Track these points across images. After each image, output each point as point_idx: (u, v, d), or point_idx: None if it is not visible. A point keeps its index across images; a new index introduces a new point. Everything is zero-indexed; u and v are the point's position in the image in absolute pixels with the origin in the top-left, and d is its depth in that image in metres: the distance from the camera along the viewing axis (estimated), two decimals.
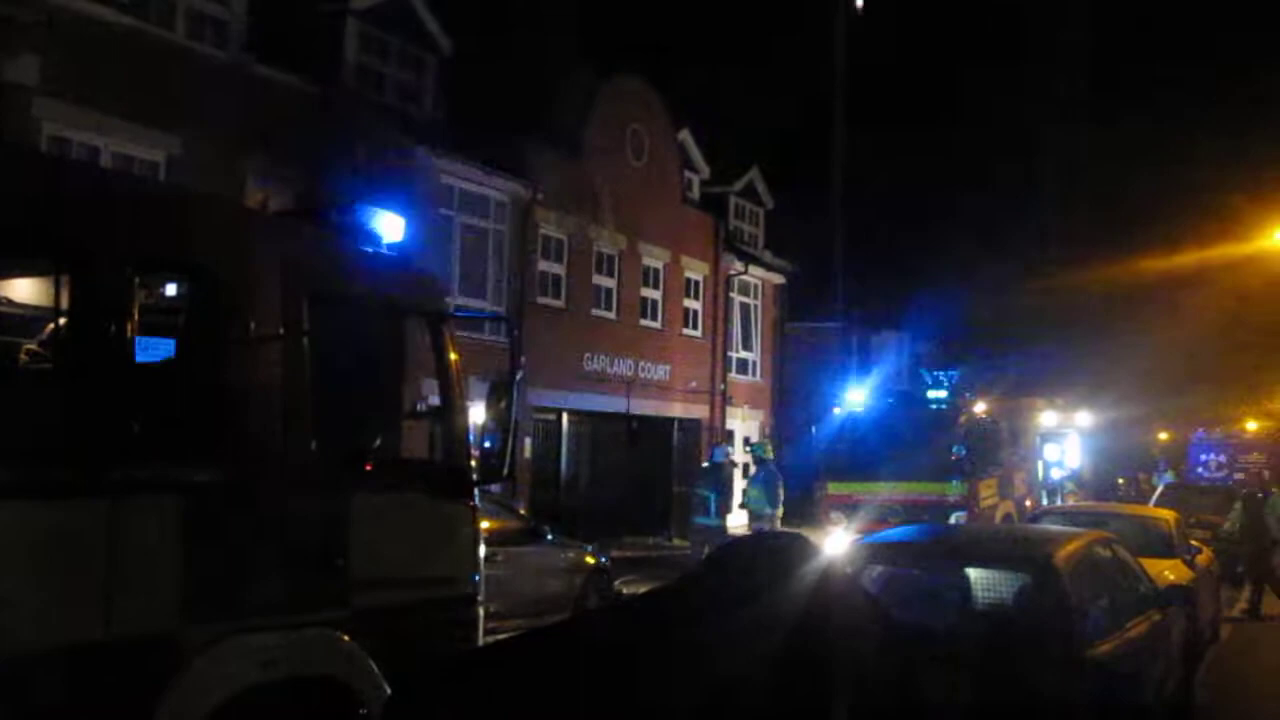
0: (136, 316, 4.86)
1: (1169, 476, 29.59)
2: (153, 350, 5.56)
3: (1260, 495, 18.93)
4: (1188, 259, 28.94)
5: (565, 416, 26.07)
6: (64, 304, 4.81)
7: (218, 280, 5.27)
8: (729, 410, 31.50)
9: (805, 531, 20.01)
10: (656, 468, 28.70)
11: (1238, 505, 19.33)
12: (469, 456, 6.46)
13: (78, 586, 4.53)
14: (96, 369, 4.70)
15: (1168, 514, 15.59)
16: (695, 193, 31.95)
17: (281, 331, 5.39)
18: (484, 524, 13.42)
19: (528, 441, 23.74)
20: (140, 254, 4.99)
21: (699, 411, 30.19)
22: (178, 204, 5.78)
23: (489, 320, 18.01)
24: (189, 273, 5.38)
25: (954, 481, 20.00)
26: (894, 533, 10.08)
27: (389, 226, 6.46)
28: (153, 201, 5.56)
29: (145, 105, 16.95)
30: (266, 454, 5.27)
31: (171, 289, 5.95)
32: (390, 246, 6.48)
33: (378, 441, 5.97)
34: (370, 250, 6.30)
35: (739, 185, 34.45)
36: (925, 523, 17.85)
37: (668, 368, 28.66)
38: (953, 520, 19.07)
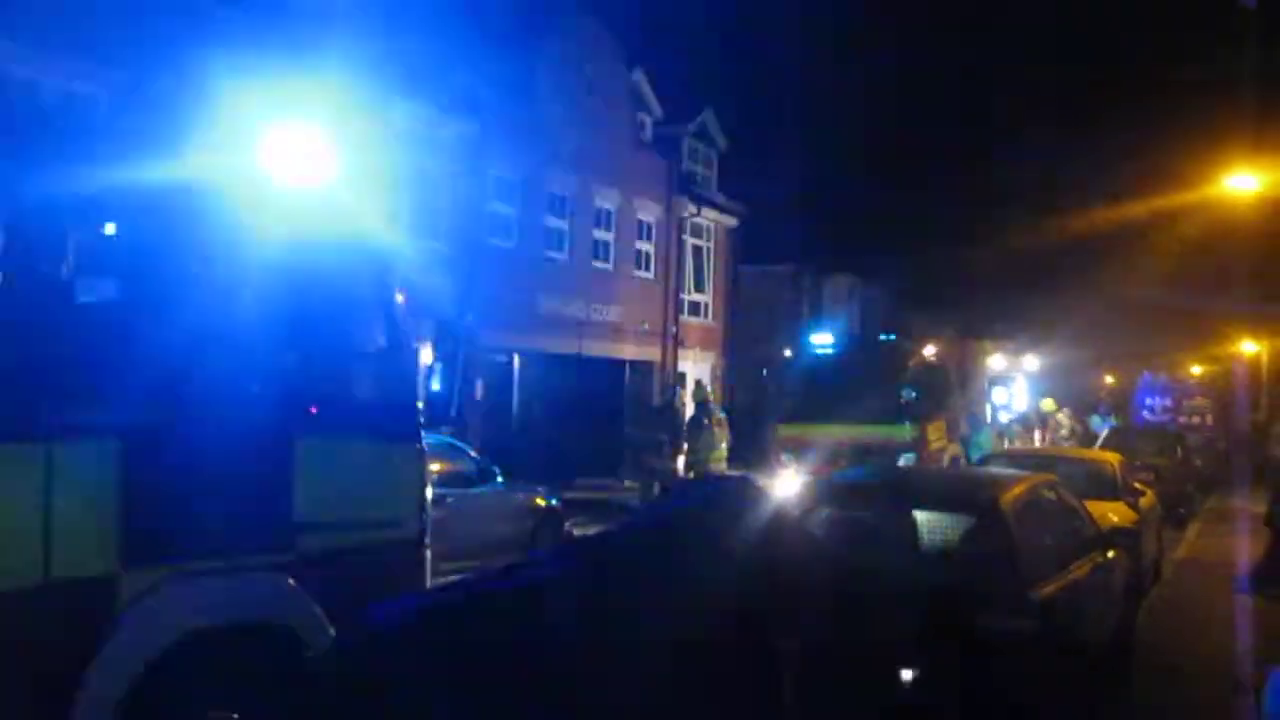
0: (68, 259, 4.75)
1: (1111, 421, 29.90)
2: (93, 292, 5.44)
3: None
4: (1137, 208, 29.18)
5: (516, 358, 26.00)
6: None
7: (158, 219, 5.16)
8: (681, 352, 31.52)
9: (755, 474, 20.17)
10: (608, 410, 28.69)
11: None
12: (415, 398, 6.40)
13: (14, 531, 4.45)
14: (32, 312, 4.59)
15: (1112, 457, 15.79)
16: (648, 134, 31.74)
17: (222, 272, 5.29)
18: (434, 466, 13.44)
19: (478, 384, 23.65)
20: (79, 194, 4.87)
21: (651, 354, 30.19)
22: (119, 140, 5.63)
23: (433, 260, 17.86)
24: (124, 213, 5.25)
25: (903, 424, 20.15)
26: (842, 475, 10.14)
27: (334, 164, 6.35)
28: (93, 138, 5.42)
29: (87, 39, 16.55)
30: (207, 396, 5.19)
31: (112, 229, 5.81)
32: (334, 185, 6.36)
33: (322, 383, 5.89)
34: (314, 188, 6.17)
35: (693, 126, 34.24)
36: (874, 465, 18.02)
37: (620, 310, 28.60)
38: (901, 462, 19.23)
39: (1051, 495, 9.04)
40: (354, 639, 4.62)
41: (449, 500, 13.02)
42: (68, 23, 16.27)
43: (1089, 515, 9.68)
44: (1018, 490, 8.24)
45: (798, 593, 4.59)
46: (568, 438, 26.95)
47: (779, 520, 4.72)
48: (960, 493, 8.56)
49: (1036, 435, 26.92)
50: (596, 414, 28.21)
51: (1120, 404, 35.40)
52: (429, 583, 6.63)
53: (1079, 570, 8.24)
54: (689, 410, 22.42)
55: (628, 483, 25.48)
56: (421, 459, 6.56)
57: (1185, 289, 36.46)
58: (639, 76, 30.35)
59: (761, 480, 13.36)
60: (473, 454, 15.42)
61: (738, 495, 4.26)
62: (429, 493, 6.70)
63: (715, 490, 4.56)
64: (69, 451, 4.60)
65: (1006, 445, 24.07)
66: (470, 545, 12.65)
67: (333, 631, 5.40)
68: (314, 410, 5.83)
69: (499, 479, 14.67)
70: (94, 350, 4.86)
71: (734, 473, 17.41)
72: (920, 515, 7.89)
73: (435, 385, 6.47)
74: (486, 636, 3.94)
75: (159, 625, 4.86)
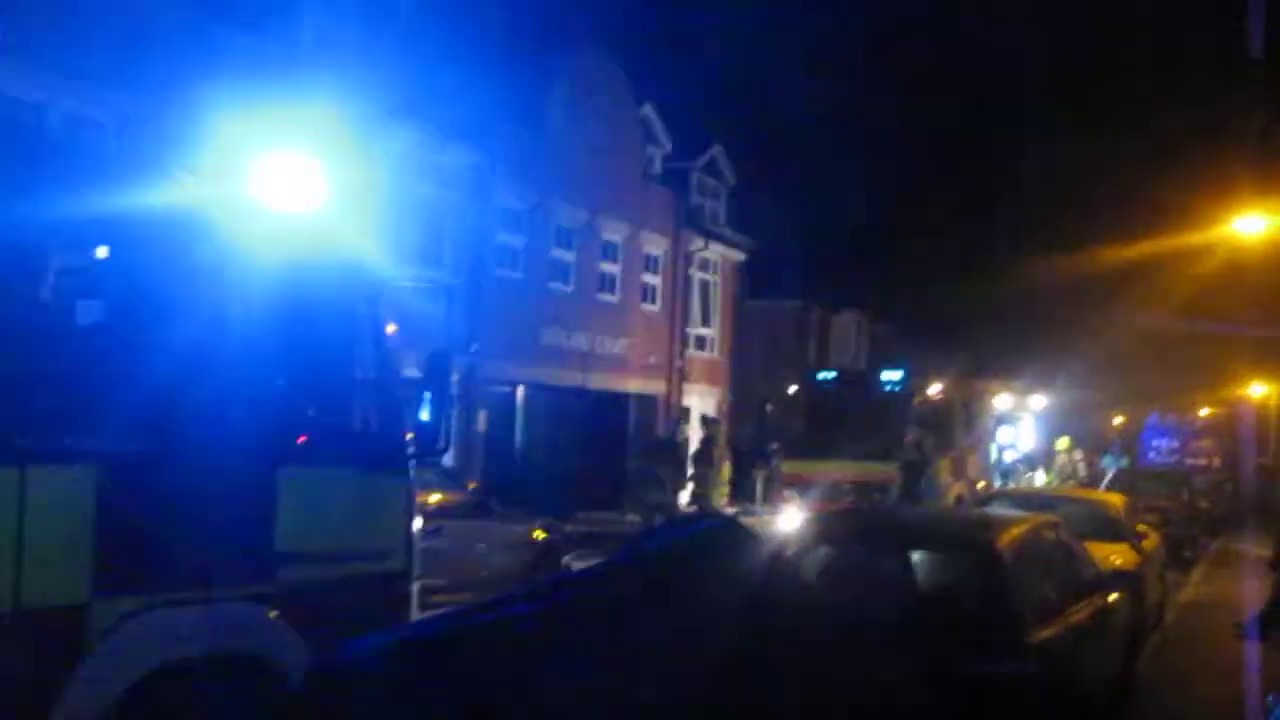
0: (48, 284, 4.69)
1: (1122, 461, 29.79)
2: (68, 318, 5.38)
3: None
4: (1145, 248, 29.11)
5: (520, 390, 25.93)
6: None
7: (145, 244, 5.10)
8: (686, 387, 31.42)
9: (757, 508, 20.02)
10: (611, 443, 28.58)
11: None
12: (403, 429, 6.32)
13: None
14: (6, 335, 4.52)
15: (1116, 498, 15.67)
16: (657, 168, 31.78)
17: (204, 300, 5.23)
18: (433, 497, 13.35)
19: (481, 415, 23.58)
20: (66, 216, 4.80)
21: (656, 387, 30.10)
22: (109, 162, 5.59)
23: (434, 290, 17.73)
24: (106, 239, 5.19)
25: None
26: (840, 513, 10.05)
27: (327, 190, 6.30)
28: (84, 160, 5.37)
29: (96, 63, 16.59)
30: (189, 424, 5.11)
31: (95, 255, 5.75)
32: (327, 213, 6.31)
33: (308, 413, 5.82)
34: (305, 217, 6.12)
35: (701, 161, 34.26)
36: (876, 503, 17.91)
37: (625, 342, 28.53)
38: None
39: (1051, 536, 8.92)
40: (325, 674, 4.53)
41: (445, 531, 12.93)
42: (74, 47, 16.31)
43: (1089, 557, 9.55)
44: (1016, 531, 8.13)
45: (785, 644, 4.47)
46: (571, 470, 26.84)
47: (765, 565, 4.62)
48: (957, 533, 8.45)
49: (1039, 475, 26.79)
50: (600, 447, 28.10)
51: (1128, 445, 35.24)
52: (415, 615, 6.52)
53: (1078, 613, 8.11)
54: (693, 444, 22.35)
55: (630, 516, 25.35)
56: (409, 490, 6.47)
57: (1194, 330, 36.33)
58: (649, 110, 30.42)
59: (764, 516, 13.29)
60: (471, 485, 15.36)
61: (720, 538, 4.15)
62: (417, 524, 6.61)
63: (694, 533, 4.45)
64: (43, 477, 4.52)
65: (1011, 485, 23.88)
66: (466, 577, 12.58)
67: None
68: (300, 440, 5.76)
69: (496, 510, 14.58)
70: (72, 374, 4.79)
71: (720, 512, 17.28)
72: (916, 556, 7.79)
73: (425, 416, 6.37)
74: (453, 676, 3.85)
75: (132, 656, 4.77)
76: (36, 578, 4.47)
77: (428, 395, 6.39)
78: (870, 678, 6.08)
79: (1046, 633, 7.40)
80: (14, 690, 4.43)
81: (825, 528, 8.83)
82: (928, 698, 6.65)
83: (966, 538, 8.17)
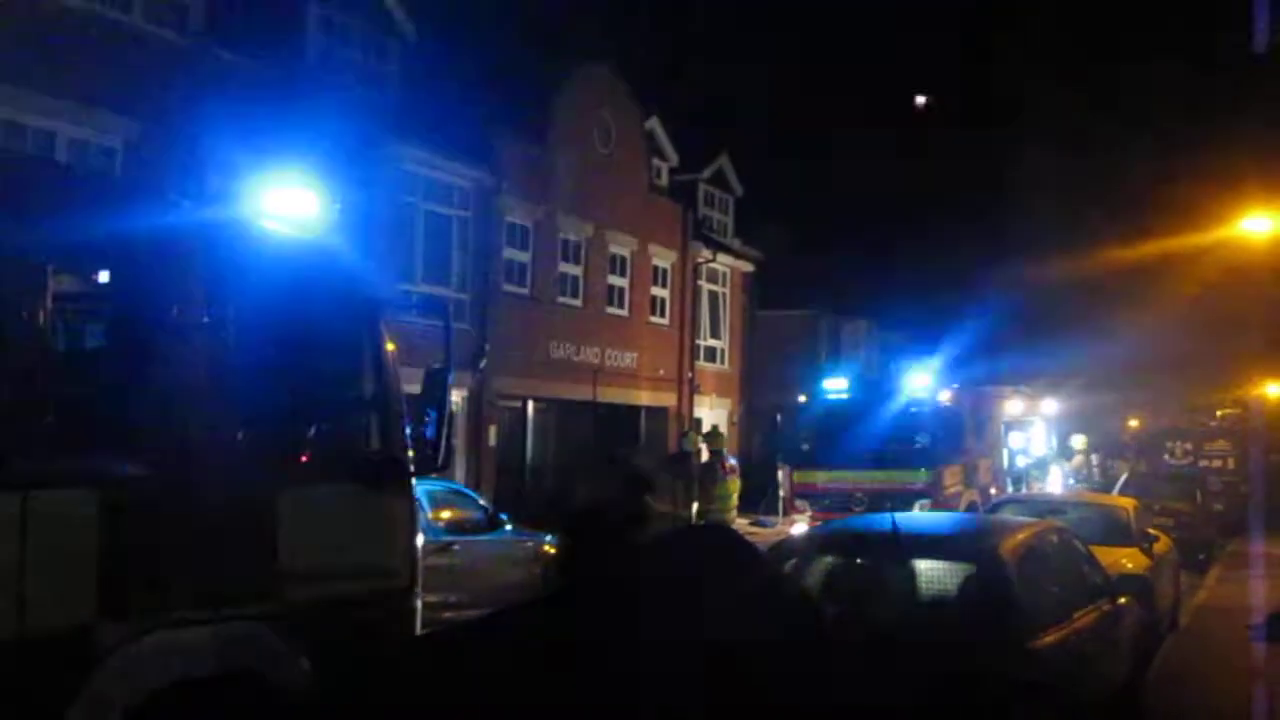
0: (50, 306, 4.73)
1: (1140, 464, 29.81)
2: (71, 341, 5.44)
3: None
4: (1151, 250, 29.09)
5: (530, 404, 25.97)
6: None
7: (138, 269, 5.16)
8: (697, 398, 31.45)
9: (769, 520, 19.99)
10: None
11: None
12: (405, 446, 6.36)
13: None
14: (5, 360, 4.57)
15: (1127, 502, 15.61)
16: (664, 180, 31.86)
17: (206, 320, 5.28)
18: (444, 513, 13.37)
19: (491, 430, 23.64)
20: (54, 243, 4.85)
21: (666, 400, 30.13)
22: (96, 190, 5.65)
23: (441, 307, 17.71)
24: (108, 261, 5.25)
25: (918, 469, 20.03)
26: (844, 522, 10.06)
27: (324, 212, 6.36)
28: (69, 188, 5.43)
29: (103, 90, 16.72)
30: (190, 445, 5.16)
31: (97, 278, 5.82)
32: (326, 233, 6.37)
33: (309, 432, 5.87)
34: (303, 237, 6.18)
35: (708, 173, 34.36)
36: (888, 511, 17.86)
37: (634, 355, 28.57)
38: (917, 508, 19.08)
39: (1057, 541, 8.92)
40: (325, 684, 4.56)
41: (456, 547, 13.00)
42: (85, 75, 16.45)
43: (1097, 562, 9.54)
44: (1020, 537, 8.14)
45: (781, 648, 4.46)
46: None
47: (763, 573, 4.61)
48: (960, 540, 8.46)
49: (1054, 472, 26.81)
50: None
51: (1143, 447, 35.10)
52: (419, 632, 6.57)
53: (1083, 620, 8.11)
54: (704, 456, 22.35)
55: None
56: (412, 507, 6.52)
57: (1205, 331, 36.24)
58: (654, 124, 30.49)
59: (775, 527, 13.30)
60: (481, 501, 15.39)
61: (714, 552, 4.14)
62: (420, 540, 6.66)
63: (686, 541, 4.46)
64: (47, 500, 4.56)
65: (1024, 490, 23.81)
66: (477, 592, 12.61)
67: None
68: (300, 459, 5.81)
69: (507, 526, 14.62)
70: (74, 397, 4.84)
71: (713, 524, 17.23)
72: (920, 564, 7.79)
73: (424, 433, 6.42)
74: (450, 679, 3.87)
75: (137, 676, 4.81)
76: (41, 600, 4.52)
77: (427, 411, 6.43)
78: (872, 684, 6.08)
79: (1052, 638, 7.40)
80: (20, 710, 4.48)
81: (829, 535, 8.85)
82: (930, 706, 6.66)
83: (969, 544, 8.18)
